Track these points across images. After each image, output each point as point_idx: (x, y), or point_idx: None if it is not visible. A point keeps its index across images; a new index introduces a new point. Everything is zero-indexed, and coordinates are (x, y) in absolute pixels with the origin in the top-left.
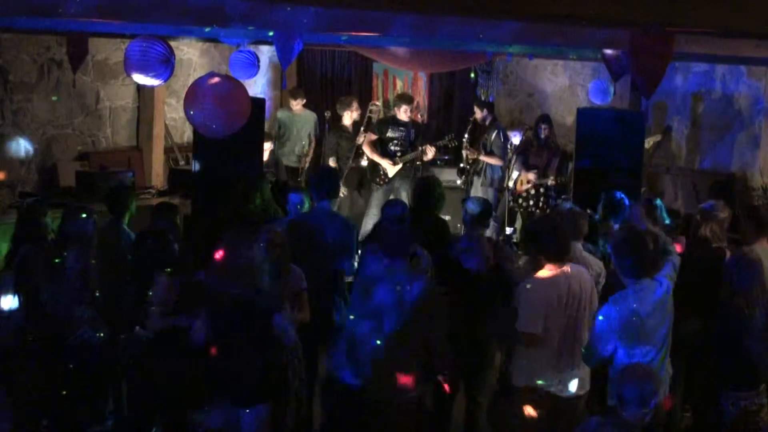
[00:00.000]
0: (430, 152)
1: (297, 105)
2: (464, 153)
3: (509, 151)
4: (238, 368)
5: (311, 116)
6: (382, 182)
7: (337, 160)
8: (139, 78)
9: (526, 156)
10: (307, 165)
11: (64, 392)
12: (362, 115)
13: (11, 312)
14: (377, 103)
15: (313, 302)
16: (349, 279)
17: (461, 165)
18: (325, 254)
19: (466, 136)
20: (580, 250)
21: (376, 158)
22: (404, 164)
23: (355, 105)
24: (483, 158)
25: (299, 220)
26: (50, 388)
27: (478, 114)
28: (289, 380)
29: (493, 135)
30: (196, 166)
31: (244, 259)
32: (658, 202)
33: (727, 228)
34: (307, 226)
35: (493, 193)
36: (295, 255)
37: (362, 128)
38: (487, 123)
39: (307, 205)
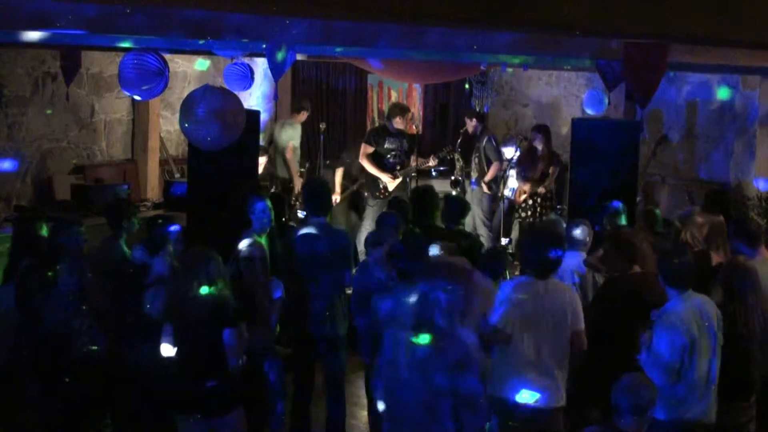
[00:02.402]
0: (432, 161)
1: (301, 117)
2: (457, 164)
3: (504, 161)
4: (200, 379)
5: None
6: (382, 196)
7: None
8: (133, 91)
9: (522, 167)
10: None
11: (63, 406)
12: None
13: (10, 327)
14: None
15: (311, 315)
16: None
17: (453, 177)
18: (321, 266)
19: (458, 149)
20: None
21: (376, 172)
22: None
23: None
24: (485, 181)
25: (294, 233)
26: (49, 402)
27: (470, 126)
28: (266, 385)
29: (485, 141)
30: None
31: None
32: (657, 212)
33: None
34: (302, 238)
35: (487, 201)
36: (292, 267)
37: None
38: (478, 132)
39: (271, 213)
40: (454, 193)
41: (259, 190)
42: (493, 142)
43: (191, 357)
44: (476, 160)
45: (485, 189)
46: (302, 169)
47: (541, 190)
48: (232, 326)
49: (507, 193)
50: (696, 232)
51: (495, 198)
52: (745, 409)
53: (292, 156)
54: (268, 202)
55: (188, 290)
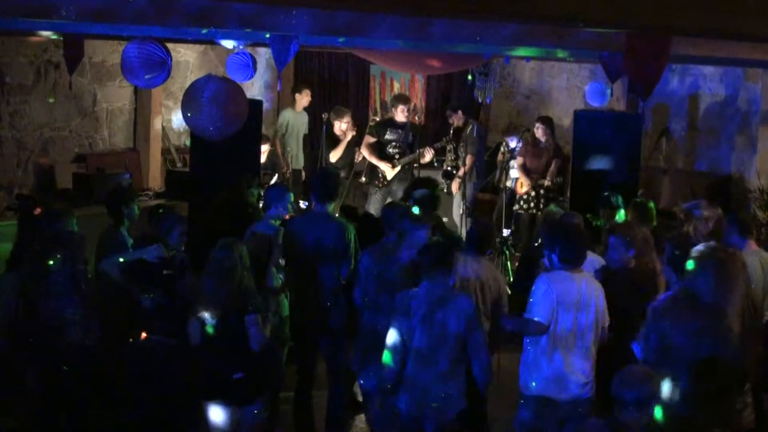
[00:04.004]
0: (428, 155)
1: (301, 100)
2: (449, 156)
3: (504, 152)
4: (234, 366)
5: (306, 117)
6: (380, 185)
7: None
8: (136, 80)
9: (524, 158)
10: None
11: (60, 395)
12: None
13: (9, 316)
14: (376, 118)
15: (310, 305)
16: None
17: (446, 168)
18: (321, 257)
19: (452, 141)
20: None
21: (375, 161)
22: (402, 167)
23: (346, 117)
24: (458, 176)
25: (296, 223)
26: (46, 391)
27: (456, 119)
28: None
29: (468, 130)
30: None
31: (230, 261)
32: (651, 204)
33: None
34: (304, 228)
35: (472, 188)
36: (293, 257)
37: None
38: (464, 123)
39: (290, 204)
40: (445, 189)
41: (256, 180)
42: (475, 133)
43: (220, 345)
44: (461, 150)
45: (454, 188)
46: (289, 164)
47: (547, 183)
48: (257, 313)
49: (509, 184)
50: (701, 225)
51: (485, 188)
52: (739, 395)
53: (268, 149)
54: (291, 195)
55: (222, 279)
